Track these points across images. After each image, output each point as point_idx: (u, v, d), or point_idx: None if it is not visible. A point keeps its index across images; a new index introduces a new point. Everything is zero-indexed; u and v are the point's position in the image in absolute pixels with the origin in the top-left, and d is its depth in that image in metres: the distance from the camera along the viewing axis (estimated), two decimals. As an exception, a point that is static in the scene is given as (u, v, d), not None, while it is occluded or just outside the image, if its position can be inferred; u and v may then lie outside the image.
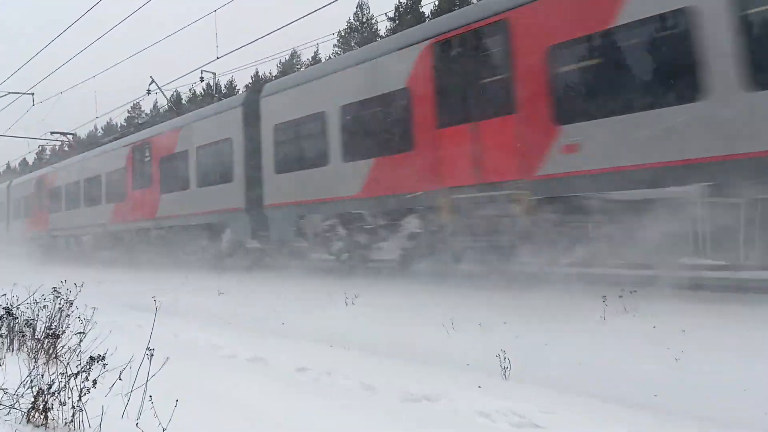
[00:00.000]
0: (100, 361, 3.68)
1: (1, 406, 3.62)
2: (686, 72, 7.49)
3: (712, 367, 5.08)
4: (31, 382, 3.68)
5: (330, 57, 40.39)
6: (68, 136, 35.96)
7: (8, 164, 64.14)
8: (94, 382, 3.54)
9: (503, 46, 9.47)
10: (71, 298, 5.73)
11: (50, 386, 3.54)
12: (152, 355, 3.83)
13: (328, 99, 12.49)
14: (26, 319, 5.54)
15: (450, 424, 4.04)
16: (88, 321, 5.59)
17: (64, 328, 5.42)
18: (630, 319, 6.67)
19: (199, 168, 17.10)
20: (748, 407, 4.38)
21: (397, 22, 38.59)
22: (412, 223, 10.98)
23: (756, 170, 6.89)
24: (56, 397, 3.53)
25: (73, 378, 3.61)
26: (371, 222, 11.83)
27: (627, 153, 7.92)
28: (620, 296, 6.95)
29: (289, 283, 12.42)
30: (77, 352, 5.12)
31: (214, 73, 29.00)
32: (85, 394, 3.50)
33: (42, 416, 3.54)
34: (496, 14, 9.59)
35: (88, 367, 3.68)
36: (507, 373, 5.37)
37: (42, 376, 3.80)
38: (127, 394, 3.88)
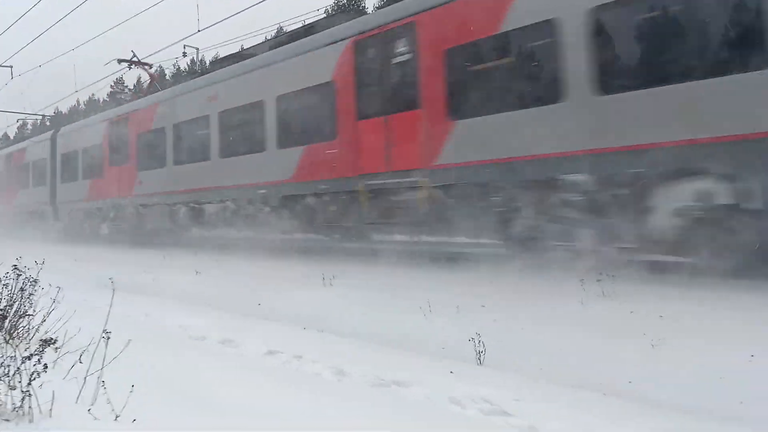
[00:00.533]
0: (52, 344, 3.52)
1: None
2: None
3: (688, 355, 5.00)
4: (-22, 365, 3.51)
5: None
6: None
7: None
8: (45, 366, 3.37)
9: (411, 46, 10.36)
10: (34, 276, 5.51)
11: (-2, 370, 3.38)
12: (108, 338, 3.66)
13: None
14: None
15: (419, 411, 3.94)
16: (54, 301, 5.42)
17: (25, 309, 5.24)
18: (608, 303, 6.59)
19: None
20: (723, 396, 4.31)
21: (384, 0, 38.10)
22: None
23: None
24: (4, 382, 3.37)
25: (26, 361, 3.45)
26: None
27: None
28: (598, 280, 6.86)
29: (268, 264, 12.27)
30: (35, 334, 4.97)
31: (197, 48, 28.48)
32: (35, 378, 3.34)
33: (-12, 401, 3.38)
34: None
35: (40, 350, 3.52)
36: (482, 358, 5.28)
37: (-7, 359, 3.63)
38: (85, 378, 3.73)
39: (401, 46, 10.50)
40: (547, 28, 8.41)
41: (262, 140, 13.44)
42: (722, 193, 6.98)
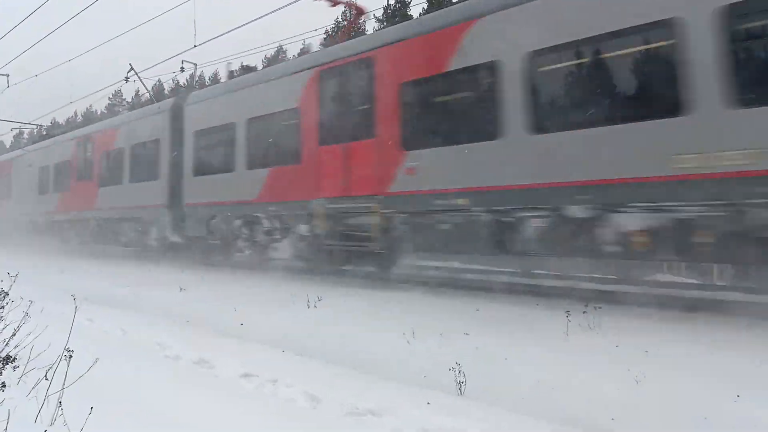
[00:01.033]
0: (11, 363, 3.38)
1: None
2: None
3: (672, 392, 4.89)
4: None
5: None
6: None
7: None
8: (3, 384, 3.24)
9: (369, 79, 10.89)
10: (5, 288, 5.35)
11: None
12: (71, 356, 3.52)
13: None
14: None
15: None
16: (25, 314, 5.26)
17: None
18: (593, 335, 6.48)
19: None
20: (706, 436, 4.20)
21: (385, 24, 38.34)
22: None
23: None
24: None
25: (-17, 378, 3.32)
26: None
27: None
28: (584, 312, 6.76)
29: (255, 283, 12.11)
30: (4, 347, 4.82)
31: (195, 64, 28.51)
32: (-9, 397, 3.21)
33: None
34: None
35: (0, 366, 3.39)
36: (462, 388, 5.15)
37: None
38: (46, 398, 3.60)
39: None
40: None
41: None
42: None
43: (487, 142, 8.90)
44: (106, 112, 66.31)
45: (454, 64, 9.44)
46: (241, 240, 14.07)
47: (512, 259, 9.69)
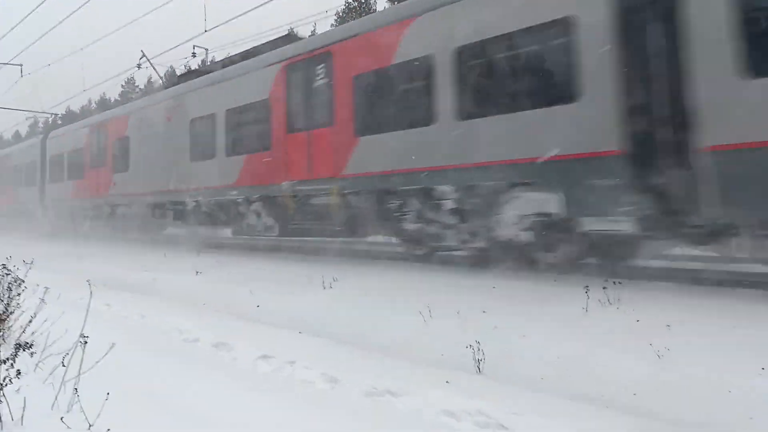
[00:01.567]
0: (28, 349, 3.38)
1: None
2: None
3: (696, 366, 4.80)
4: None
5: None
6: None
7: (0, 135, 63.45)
8: (18, 371, 3.23)
9: (328, 72, 12.03)
10: (21, 275, 5.37)
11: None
12: (86, 342, 3.51)
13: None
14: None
15: (410, 423, 3.76)
16: (42, 301, 5.28)
17: (12, 308, 5.11)
18: (613, 311, 6.38)
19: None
20: (731, 411, 4.12)
21: (395, 1, 37.89)
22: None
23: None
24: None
25: (1, 364, 3.31)
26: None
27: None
28: (603, 287, 6.66)
29: (269, 265, 12.15)
30: (21, 334, 4.84)
31: (206, 49, 28.47)
32: (7, 385, 3.20)
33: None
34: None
35: (14, 353, 3.38)
36: (481, 366, 5.10)
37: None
38: (62, 384, 3.59)
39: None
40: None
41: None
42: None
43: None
44: (119, 99, 66.51)
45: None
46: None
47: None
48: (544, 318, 6.39)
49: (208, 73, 17.32)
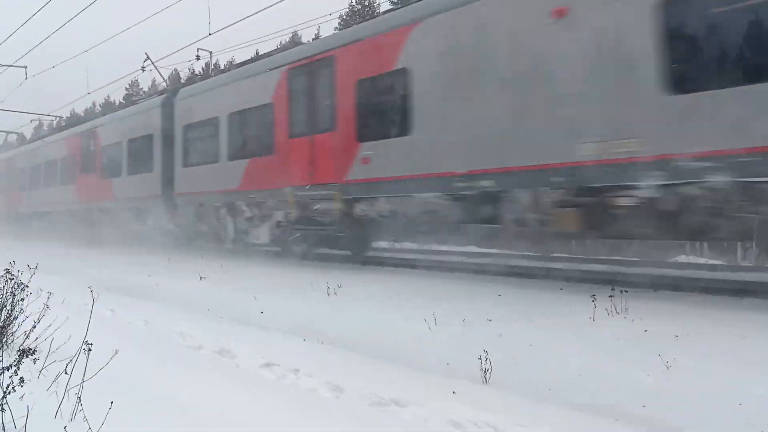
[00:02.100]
0: (31, 355, 3.34)
1: None
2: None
3: (705, 377, 4.75)
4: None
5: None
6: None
7: (6, 137, 63.49)
8: (21, 379, 3.19)
9: (330, 76, 11.88)
10: (25, 281, 5.33)
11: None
12: (90, 349, 3.47)
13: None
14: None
15: (417, 435, 3.71)
16: (46, 306, 5.24)
17: (15, 314, 5.07)
18: (620, 320, 6.33)
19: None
20: (742, 423, 4.06)
21: (399, 3, 37.92)
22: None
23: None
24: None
25: (3, 372, 3.28)
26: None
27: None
28: (610, 296, 6.60)
29: (273, 270, 12.11)
30: (25, 340, 4.80)
31: (210, 52, 28.45)
32: (10, 393, 3.16)
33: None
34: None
35: (18, 359, 3.34)
36: (487, 376, 5.05)
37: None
38: (66, 392, 3.55)
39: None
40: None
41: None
42: None
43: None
44: (123, 102, 66.58)
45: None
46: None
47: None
48: (551, 327, 6.35)
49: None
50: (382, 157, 10.71)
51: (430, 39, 9.89)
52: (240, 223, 14.61)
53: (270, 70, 13.63)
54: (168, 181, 17.35)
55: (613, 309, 6.57)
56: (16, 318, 5.08)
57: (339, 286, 9.01)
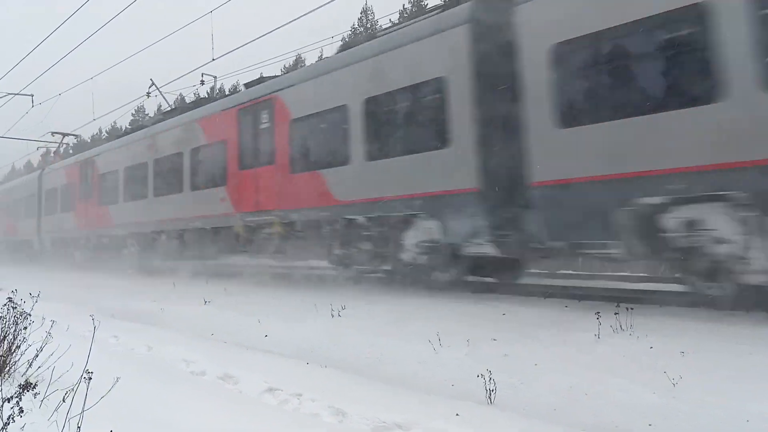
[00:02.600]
0: (32, 389, 3.34)
1: None
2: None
3: (712, 394, 4.69)
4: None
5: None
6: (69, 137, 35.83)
7: (13, 165, 63.97)
8: (21, 409, 3.19)
9: (270, 116, 13.63)
10: (27, 309, 5.33)
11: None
12: (90, 378, 3.46)
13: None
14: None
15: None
16: (49, 334, 5.24)
17: (18, 343, 5.07)
18: (626, 338, 6.28)
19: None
20: (750, 441, 4.01)
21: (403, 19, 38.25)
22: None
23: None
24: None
25: (4, 403, 3.27)
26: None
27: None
28: (615, 313, 6.56)
29: (277, 293, 12.10)
30: (27, 369, 4.80)
31: (214, 77, 28.76)
32: (9, 424, 3.16)
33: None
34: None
35: (20, 392, 3.34)
36: (492, 397, 5.00)
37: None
38: (66, 421, 3.54)
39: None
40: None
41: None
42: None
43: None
44: (129, 127, 67.05)
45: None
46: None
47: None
48: (556, 345, 6.30)
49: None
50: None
51: None
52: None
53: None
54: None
55: (619, 326, 6.52)
56: (18, 347, 5.08)
57: (343, 308, 8.98)
